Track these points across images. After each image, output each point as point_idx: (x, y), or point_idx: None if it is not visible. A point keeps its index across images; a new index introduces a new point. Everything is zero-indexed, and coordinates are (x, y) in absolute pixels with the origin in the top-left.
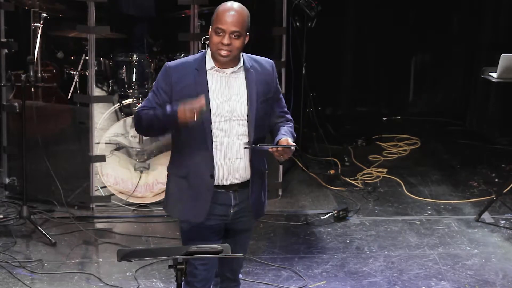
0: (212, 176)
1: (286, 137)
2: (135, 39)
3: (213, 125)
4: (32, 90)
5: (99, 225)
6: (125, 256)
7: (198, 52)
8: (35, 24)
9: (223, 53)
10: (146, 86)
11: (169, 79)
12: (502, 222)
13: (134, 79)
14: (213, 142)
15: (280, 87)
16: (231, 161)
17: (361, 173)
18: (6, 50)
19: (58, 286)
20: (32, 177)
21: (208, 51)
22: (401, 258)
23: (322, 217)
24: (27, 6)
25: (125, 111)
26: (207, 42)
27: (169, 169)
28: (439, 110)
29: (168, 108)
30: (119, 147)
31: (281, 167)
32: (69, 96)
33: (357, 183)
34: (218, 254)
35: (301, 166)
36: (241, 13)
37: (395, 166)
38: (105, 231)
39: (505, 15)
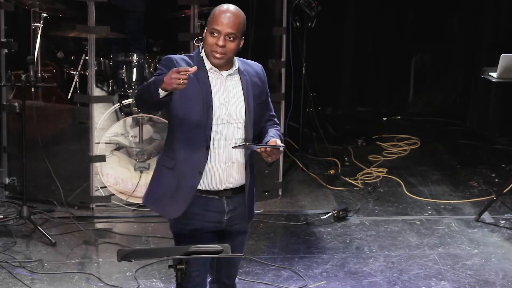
0: (200, 173)
1: (274, 138)
2: (131, 36)
3: (212, 128)
4: (32, 90)
5: (99, 225)
6: (125, 256)
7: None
8: (35, 24)
9: (217, 55)
10: None
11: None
12: (502, 222)
13: (134, 79)
14: (210, 145)
15: (280, 87)
16: (227, 165)
17: (361, 173)
18: (6, 50)
19: (58, 286)
20: (32, 177)
21: (203, 52)
22: (401, 258)
23: (322, 217)
24: (27, 6)
25: (125, 111)
26: (201, 43)
27: (158, 159)
28: (439, 110)
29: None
30: (119, 147)
31: (281, 167)
32: (69, 96)
33: (357, 183)
34: (218, 254)
35: (301, 166)
36: (237, 15)
37: (395, 166)
38: (105, 231)
39: (505, 15)
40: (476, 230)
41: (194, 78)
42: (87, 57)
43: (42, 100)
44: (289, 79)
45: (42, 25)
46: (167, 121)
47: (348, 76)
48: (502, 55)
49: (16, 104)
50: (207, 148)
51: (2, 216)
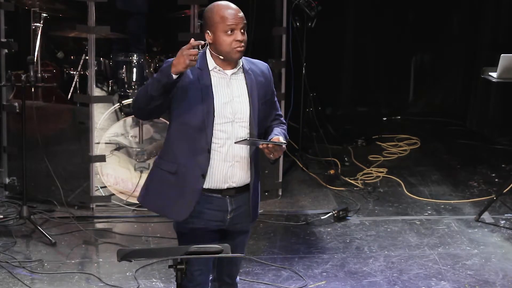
0: (203, 176)
1: (278, 136)
2: (131, 36)
3: (215, 127)
4: (32, 90)
5: (99, 225)
6: (125, 256)
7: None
8: (35, 24)
9: (240, 49)
10: None
11: None
12: (502, 222)
13: (134, 79)
14: (214, 144)
15: (280, 87)
16: (231, 164)
17: (361, 173)
18: (6, 50)
19: (58, 286)
20: (32, 177)
21: (208, 52)
22: (401, 258)
23: (322, 217)
24: (27, 6)
25: (125, 111)
26: (206, 47)
27: (156, 163)
28: (439, 110)
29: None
30: (119, 147)
31: (281, 167)
32: (69, 96)
33: (357, 183)
34: (218, 254)
35: (301, 166)
36: (237, 7)
37: (395, 166)
38: (105, 231)
39: (505, 15)
40: (476, 230)
41: (195, 80)
42: (87, 57)
43: (42, 100)
44: (289, 79)
45: (42, 25)
46: (167, 122)
47: (348, 76)
48: (502, 55)
49: (16, 104)
50: (209, 151)
51: (2, 216)
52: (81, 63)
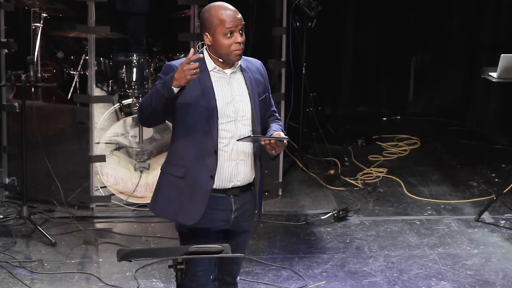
0: (212, 178)
1: (278, 132)
2: (131, 36)
3: (220, 127)
4: (32, 90)
5: (99, 225)
6: (125, 256)
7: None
8: (35, 24)
9: (239, 51)
10: (146, 86)
11: None
12: (502, 222)
13: (134, 79)
14: (219, 144)
15: (280, 87)
16: (236, 163)
17: (361, 173)
18: (6, 50)
19: (58, 286)
20: (32, 177)
21: (206, 53)
22: (401, 258)
23: (322, 217)
24: (27, 6)
25: (125, 111)
26: (203, 48)
27: (164, 168)
28: (439, 110)
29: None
30: (119, 147)
31: (281, 167)
32: (69, 96)
33: (357, 183)
34: (218, 254)
35: (301, 166)
36: (234, 8)
37: (395, 166)
38: (105, 231)
39: (505, 15)
40: (476, 230)
41: (196, 81)
42: (87, 57)
43: (42, 100)
44: (289, 79)
45: (42, 25)
46: (169, 122)
47: (348, 76)
48: (502, 55)
49: (16, 104)
50: (216, 152)
51: (2, 216)
52: (81, 63)
